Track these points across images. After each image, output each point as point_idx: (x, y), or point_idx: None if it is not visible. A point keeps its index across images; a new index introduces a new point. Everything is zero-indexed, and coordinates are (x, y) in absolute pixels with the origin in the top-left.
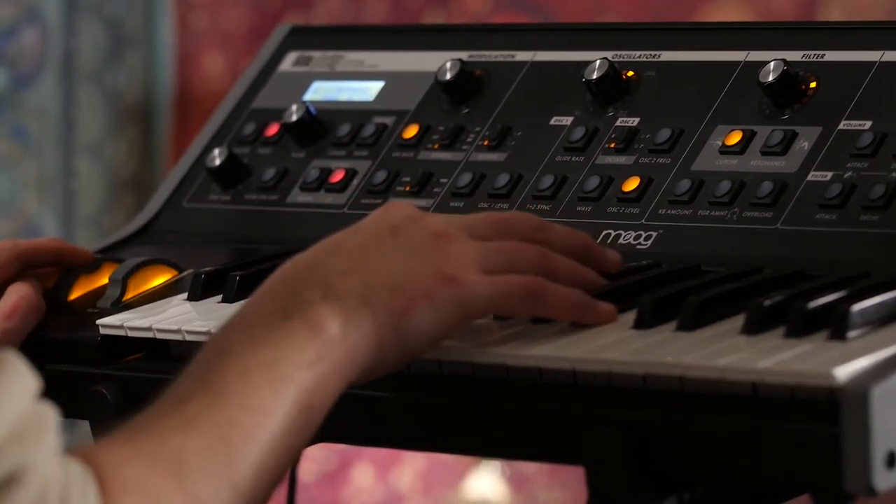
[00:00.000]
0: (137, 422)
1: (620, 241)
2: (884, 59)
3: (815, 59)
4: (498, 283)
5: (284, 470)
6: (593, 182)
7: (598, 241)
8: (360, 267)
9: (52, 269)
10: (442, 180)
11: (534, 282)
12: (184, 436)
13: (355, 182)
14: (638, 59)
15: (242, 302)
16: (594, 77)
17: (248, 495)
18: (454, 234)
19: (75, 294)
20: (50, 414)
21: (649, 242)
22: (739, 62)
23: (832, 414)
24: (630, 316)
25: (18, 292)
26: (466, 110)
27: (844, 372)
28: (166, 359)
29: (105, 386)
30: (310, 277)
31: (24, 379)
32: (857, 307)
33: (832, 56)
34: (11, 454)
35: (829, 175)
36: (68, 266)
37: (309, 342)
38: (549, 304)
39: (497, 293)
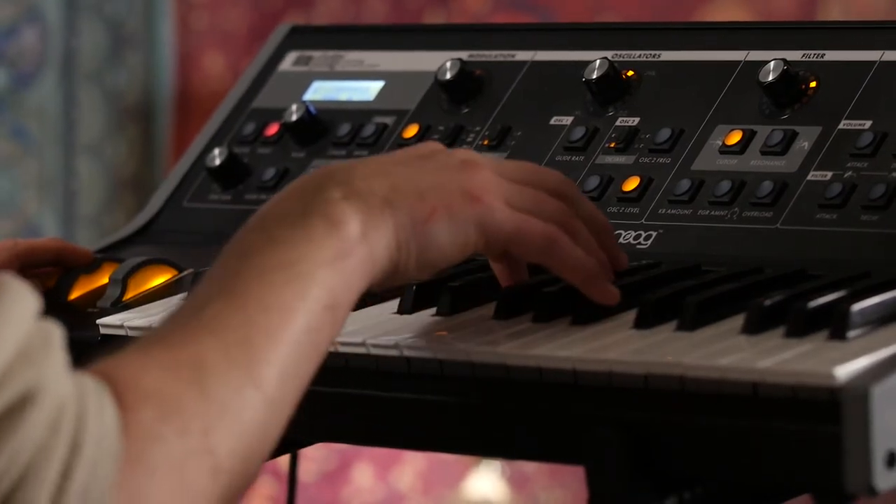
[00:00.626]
0: (154, 331)
1: (620, 240)
2: (884, 58)
3: (815, 59)
4: (520, 218)
5: (312, 370)
6: (593, 182)
7: None
8: (386, 174)
9: (52, 269)
10: None
11: (555, 231)
12: (201, 340)
13: None
14: (638, 59)
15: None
16: (594, 77)
17: (275, 395)
18: (484, 163)
19: (75, 294)
20: (54, 330)
21: (649, 242)
22: (739, 62)
23: (832, 414)
24: (630, 316)
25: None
26: (466, 110)
27: (845, 371)
28: None
29: None
30: (332, 178)
31: (24, 299)
32: (858, 307)
33: (832, 56)
34: (21, 375)
35: (829, 175)
36: (68, 266)
37: (327, 239)
38: (562, 260)
39: (517, 226)
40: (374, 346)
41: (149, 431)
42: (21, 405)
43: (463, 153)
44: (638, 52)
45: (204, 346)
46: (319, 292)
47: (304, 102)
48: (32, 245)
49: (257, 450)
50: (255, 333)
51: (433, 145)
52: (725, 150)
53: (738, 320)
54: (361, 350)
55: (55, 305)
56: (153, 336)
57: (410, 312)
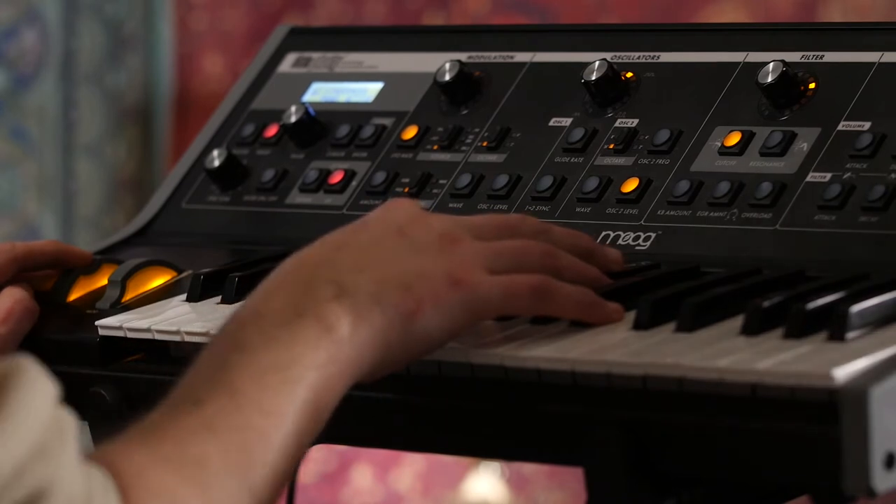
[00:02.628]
0: (155, 421)
1: (619, 241)
2: (883, 59)
3: (814, 60)
4: (505, 283)
5: (294, 470)
6: (592, 183)
7: (598, 242)
8: (371, 265)
9: (51, 271)
10: (441, 181)
11: (541, 280)
12: (203, 440)
13: (354, 183)
14: (637, 61)
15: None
16: (593, 78)
17: (263, 498)
18: (460, 234)
19: (74, 295)
20: (69, 421)
21: (648, 243)
22: (738, 63)
23: (831, 415)
24: (629, 317)
25: (13, 296)
26: (465, 111)
27: (843, 373)
28: (166, 360)
29: (104, 387)
30: (321, 274)
31: (42, 387)
32: (857, 308)
33: (831, 57)
34: (36, 472)
35: (828, 176)
36: (67, 267)
37: (321, 342)
38: (557, 303)
39: (504, 294)
40: None
41: None
42: (33, 502)
43: (438, 223)
44: (637, 54)
45: (206, 446)
46: (308, 395)
47: (304, 104)
48: (31, 248)
49: None
50: (252, 438)
51: (405, 208)
52: (724, 152)
53: (737, 321)
54: None
55: (54, 307)
56: (155, 424)
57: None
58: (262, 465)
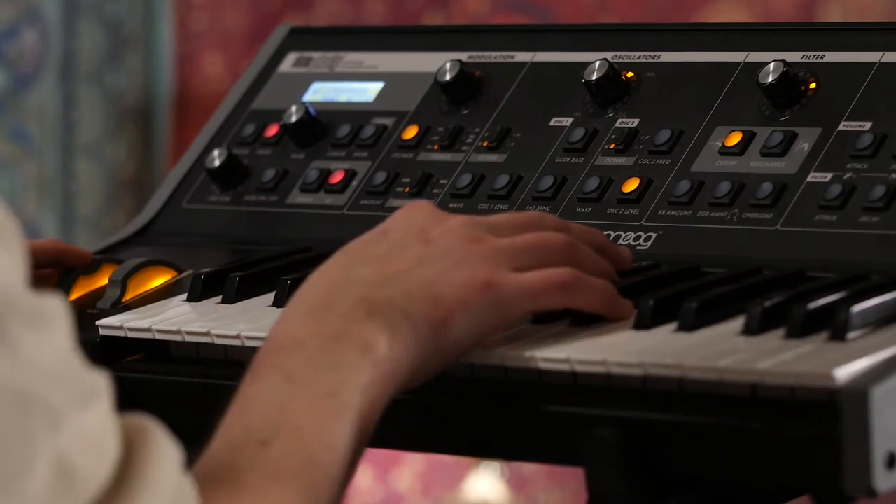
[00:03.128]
0: (225, 464)
1: (620, 241)
2: (883, 59)
3: (814, 60)
4: (531, 280)
5: (344, 494)
6: (593, 183)
7: None
8: (396, 278)
9: (51, 271)
10: (441, 181)
11: (567, 274)
12: (281, 487)
13: (355, 183)
14: (637, 60)
15: (276, 318)
16: (594, 78)
17: None
18: (481, 235)
19: (75, 295)
20: (191, 489)
21: (649, 243)
22: (739, 63)
23: (832, 415)
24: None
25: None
26: (466, 111)
27: (844, 373)
28: (166, 360)
29: None
30: (349, 292)
31: (170, 453)
32: (857, 308)
33: (832, 57)
34: None
35: (828, 176)
36: (67, 267)
37: (363, 364)
38: (584, 296)
39: (532, 292)
40: None
41: None
42: None
43: (459, 226)
44: (637, 54)
45: (285, 493)
46: (357, 421)
47: (304, 104)
48: (31, 247)
49: None
50: (319, 476)
51: (423, 212)
52: (725, 152)
53: (738, 321)
54: None
55: None
56: (228, 468)
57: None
58: (327, 498)
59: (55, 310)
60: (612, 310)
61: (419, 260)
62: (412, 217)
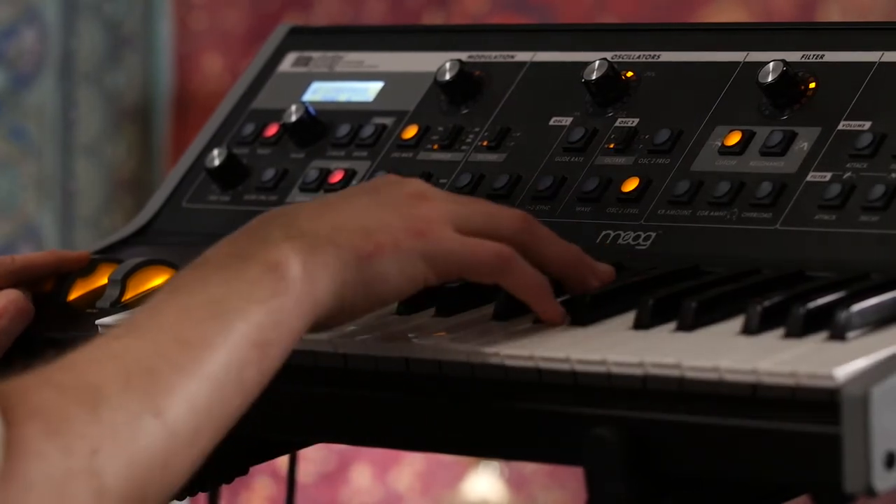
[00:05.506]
0: (67, 356)
1: (619, 241)
2: (883, 59)
3: (814, 60)
4: (468, 243)
5: (237, 407)
6: (592, 182)
7: (598, 241)
8: (332, 212)
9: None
10: (441, 181)
11: (504, 251)
12: (103, 366)
13: (354, 182)
14: (637, 60)
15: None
16: (593, 77)
17: (181, 428)
18: (432, 194)
19: (74, 295)
20: None
21: (648, 243)
22: (739, 63)
23: (832, 414)
24: (629, 316)
25: (7, 296)
26: (466, 111)
27: (844, 372)
28: None
29: None
30: (277, 220)
31: None
32: (857, 308)
33: (831, 56)
34: None
35: (828, 175)
36: (65, 273)
37: (263, 280)
38: (513, 279)
39: (465, 253)
40: (374, 346)
41: (30, 447)
42: None
43: (414, 184)
44: (637, 53)
45: (105, 372)
46: (247, 328)
47: (304, 103)
48: (30, 260)
49: (156, 478)
50: (162, 364)
51: (387, 177)
52: (725, 151)
53: (738, 321)
54: (360, 350)
55: (54, 306)
56: (59, 361)
57: (410, 313)
58: (174, 392)
59: None
60: (540, 303)
61: (360, 206)
62: (377, 179)
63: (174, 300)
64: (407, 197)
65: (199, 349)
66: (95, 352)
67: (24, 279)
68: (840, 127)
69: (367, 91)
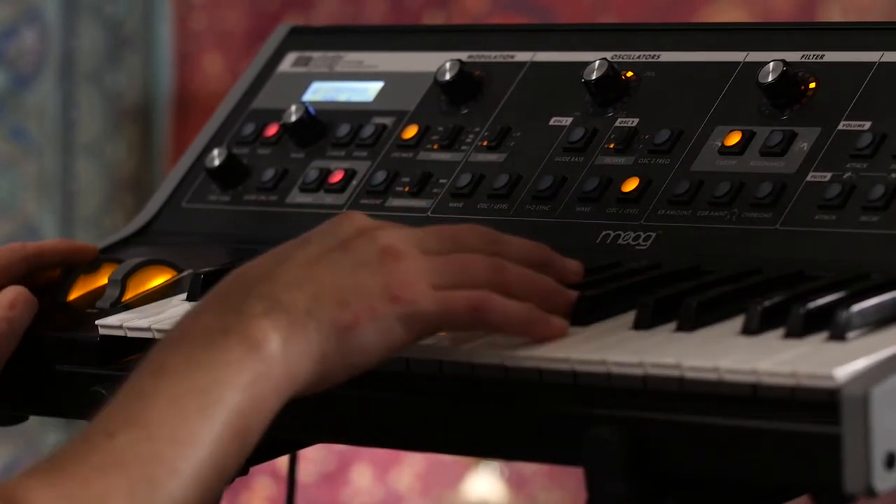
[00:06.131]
0: (66, 455)
1: (619, 241)
2: (883, 59)
3: (814, 60)
4: (442, 299)
5: (218, 492)
6: (592, 182)
7: (598, 241)
8: (307, 281)
9: (58, 270)
10: (441, 181)
11: (478, 297)
12: (107, 477)
13: (354, 182)
14: (637, 60)
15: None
16: (593, 77)
17: None
18: (404, 249)
19: (75, 294)
20: None
21: (648, 243)
22: (739, 63)
23: (832, 415)
24: (630, 317)
25: (14, 288)
26: (466, 111)
27: (844, 373)
28: None
29: (104, 386)
30: (255, 290)
31: None
32: (857, 308)
33: (831, 56)
34: None
35: (828, 176)
36: (76, 265)
37: (245, 361)
38: (496, 319)
39: (441, 309)
40: None
41: None
42: None
43: (383, 237)
44: (637, 53)
45: (111, 482)
46: (231, 419)
47: (304, 103)
48: (41, 248)
49: None
50: (160, 470)
51: (352, 222)
52: (725, 151)
53: (738, 321)
54: None
55: (55, 305)
56: (66, 458)
57: None
58: (172, 496)
59: None
60: (532, 332)
61: (335, 267)
62: (338, 226)
63: (163, 388)
64: (380, 255)
65: (189, 448)
66: (99, 452)
67: (34, 266)
68: (840, 127)
69: (367, 91)
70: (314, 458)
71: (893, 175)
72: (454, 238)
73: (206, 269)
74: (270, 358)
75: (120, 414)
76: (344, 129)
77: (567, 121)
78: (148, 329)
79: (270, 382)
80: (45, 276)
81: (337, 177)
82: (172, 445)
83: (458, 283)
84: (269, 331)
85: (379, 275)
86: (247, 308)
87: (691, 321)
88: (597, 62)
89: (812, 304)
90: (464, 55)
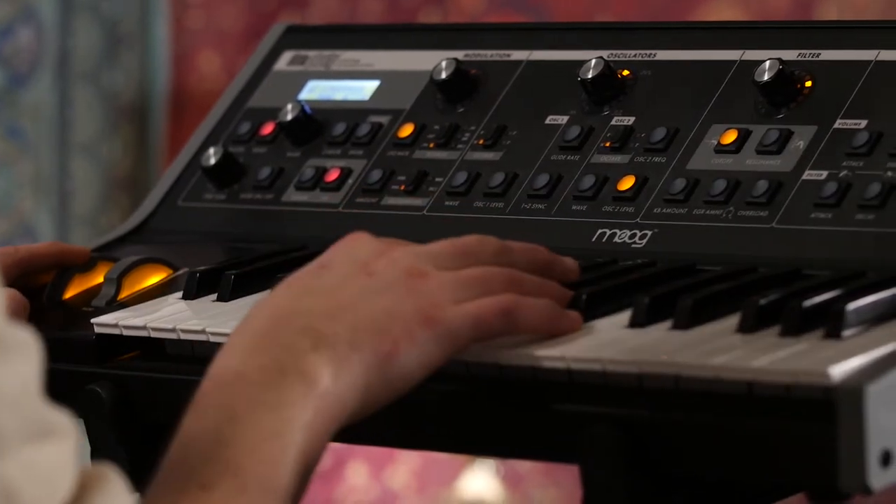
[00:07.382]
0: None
1: (615, 240)
2: (879, 58)
3: (810, 59)
4: (472, 310)
5: None
6: (588, 181)
7: (594, 240)
8: (342, 311)
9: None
10: (437, 179)
11: (506, 300)
12: None
13: (350, 181)
14: (633, 59)
15: (222, 350)
16: (589, 76)
17: None
18: (424, 268)
19: (70, 293)
20: None
21: (644, 241)
22: (735, 61)
23: (827, 412)
24: (625, 315)
25: (5, 292)
26: (462, 109)
27: (839, 370)
28: (161, 357)
29: (100, 385)
30: (293, 324)
31: (120, 497)
32: (853, 306)
33: (827, 55)
34: None
35: (824, 174)
36: (67, 267)
37: (306, 398)
38: (525, 319)
39: (473, 321)
40: None
41: None
42: None
43: (403, 258)
44: (633, 52)
45: None
46: (300, 458)
47: (300, 102)
48: (33, 251)
49: None
50: None
51: (365, 245)
52: (721, 150)
53: (733, 319)
54: None
55: (50, 304)
56: None
57: None
58: None
59: (25, 343)
60: (557, 328)
61: (363, 292)
62: (353, 249)
63: (241, 433)
64: (405, 277)
65: (274, 493)
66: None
67: (26, 269)
68: (836, 125)
69: (363, 90)
70: None
71: (889, 173)
72: (466, 252)
73: (202, 268)
74: (325, 394)
75: (206, 463)
76: (340, 128)
77: (563, 119)
78: (143, 327)
79: (326, 417)
80: (38, 279)
81: (333, 175)
82: (265, 494)
83: (480, 296)
84: (320, 366)
85: (409, 298)
86: (295, 345)
87: (687, 319)
88: (593, 61)
89: (808, 303)
90: (460, 54)
